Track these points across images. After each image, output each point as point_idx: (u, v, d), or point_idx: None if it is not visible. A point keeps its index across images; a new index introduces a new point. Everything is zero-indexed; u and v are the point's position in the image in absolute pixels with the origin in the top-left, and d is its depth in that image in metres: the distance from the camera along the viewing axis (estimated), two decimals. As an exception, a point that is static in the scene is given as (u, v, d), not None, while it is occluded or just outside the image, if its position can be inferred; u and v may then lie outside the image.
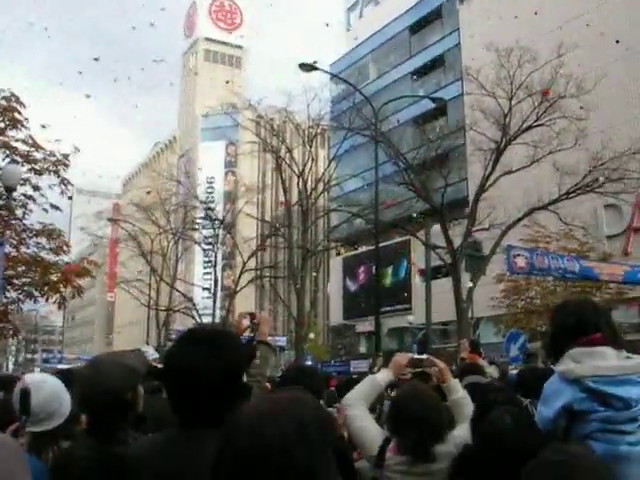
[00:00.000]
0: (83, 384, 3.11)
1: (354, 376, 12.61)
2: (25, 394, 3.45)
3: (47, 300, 24.54)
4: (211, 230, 48.63)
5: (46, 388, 3.69)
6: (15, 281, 23.01)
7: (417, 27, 58.68)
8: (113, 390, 2.97)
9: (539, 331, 29.49)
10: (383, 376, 4.04)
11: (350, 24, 70.78)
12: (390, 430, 3.77)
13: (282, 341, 55.46)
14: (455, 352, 24.21)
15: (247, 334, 3.93)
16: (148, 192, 51.03)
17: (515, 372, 8.28)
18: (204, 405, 2.31)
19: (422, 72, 56.32)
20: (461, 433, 3.72)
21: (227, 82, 55.40)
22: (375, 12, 64.89)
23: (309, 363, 41.98)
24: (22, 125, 22.87)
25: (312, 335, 47.79)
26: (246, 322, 3.97)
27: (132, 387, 3.08)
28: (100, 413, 2.99)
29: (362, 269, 58.23)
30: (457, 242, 30.42)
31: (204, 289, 57.55)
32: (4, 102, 22.68)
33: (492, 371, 8.50)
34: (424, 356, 4.32)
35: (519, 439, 2.93)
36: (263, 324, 3.99)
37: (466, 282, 30.31)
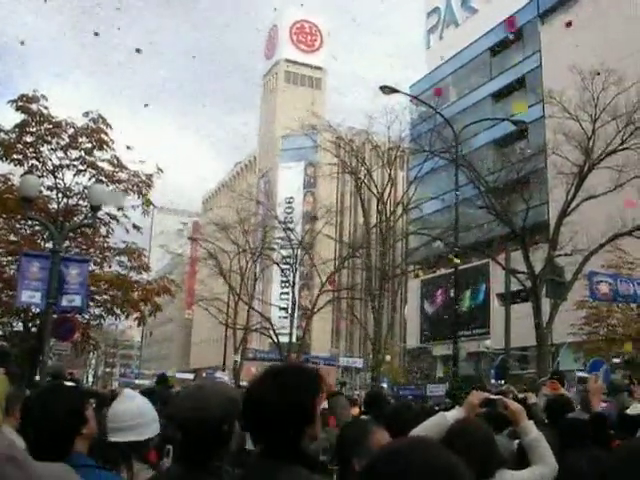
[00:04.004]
0: (184, 408, 3.04)
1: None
2: None
3: (127, 317, 25.01)
4: (290, 250, 48.88)
5: (135, 401, 3.83)
6: (97, 297, 23.50)
7: (498, 49, 58.30)
8: (214, 419, 2.95)
9: (624, 360, 28.90)
10: (454, 414, 3.98)
11: (430, 46, 70.71)
12: None
13: (358, 363, 55.37)
14: (534, 380, 23.87)
15: None
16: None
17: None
18: (275, 438, 2.41)
19: (503, 94, 55.80)
20: (524, 474, 3.65)
21: (309, 103, 55.71)
22: (455, 34, 64.69)
23: (384, 385, 41.80)
24: (108, 146, 23.40)
25: (388, 357, 47.52)
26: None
27: (231, 419, 3.06)
28: (197, 441, 2.93)
29: (440, 292, 57.83)
30: (537, 267, 29.96)
31: (281, 309, 57.77)
32: (92, 124, 23.26)
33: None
34: (497, 397, 4.24)
35: None
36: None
37: (546, 308, 29.81)
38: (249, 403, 2.50)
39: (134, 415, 3.78)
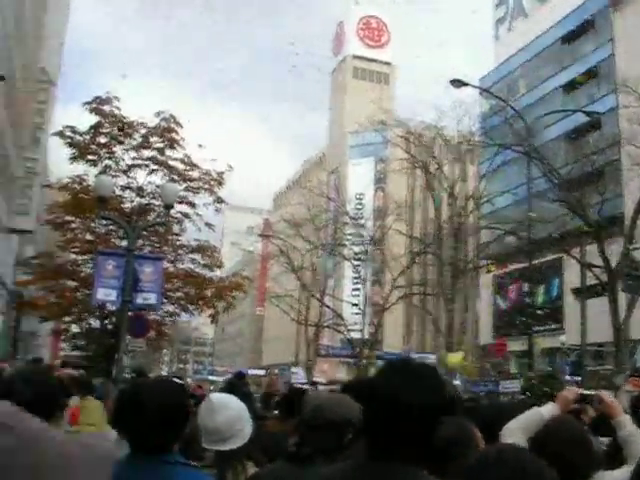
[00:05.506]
0: (325, 410, 3.16)
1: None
2: None
3: (200, 314, 25.33)
4: (361, 246, 48.82)
5: (233, 408, 3.83)
6: (171, 295, 23.83)
7: (569, 39, 57.25)
8: (351, 422, 3.04)
9: None
10: (549, 409, 3.87)
11: (499, 37, 69.84)
12: None
13: (431, 359, 55.02)
14: (611, 375, 23.44)
15: None
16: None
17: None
18: (398, 439, 2.23)
19: (574, 85, 54.80)
20: (619, 474, 3.52)
21: (378, 99, 55.33)
22: (525, 24, 63.73)
23: (458, 382, 41.45)
24: (179, 145, 23.72)
25: (461, 354, 47.08)
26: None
27: (354, 428, 3.09)
28: (323, 440, 3.04)
29: (513, 287, 57.12)
30: (613, 261, 29.33)
31: (353, 305, 57.80)
32: (164, 123, 23.59)
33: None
34: (593, 392, 4.11)
35: None
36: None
37: (622, 302, 29.16)
38: (388, 401, 2.26)
39: (233, 423, 3.77)
